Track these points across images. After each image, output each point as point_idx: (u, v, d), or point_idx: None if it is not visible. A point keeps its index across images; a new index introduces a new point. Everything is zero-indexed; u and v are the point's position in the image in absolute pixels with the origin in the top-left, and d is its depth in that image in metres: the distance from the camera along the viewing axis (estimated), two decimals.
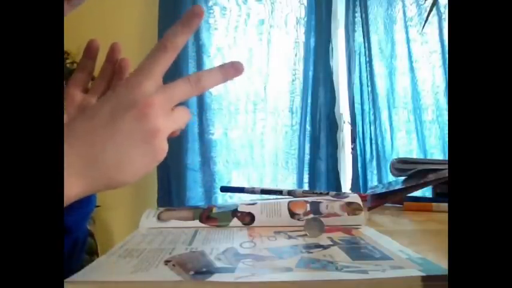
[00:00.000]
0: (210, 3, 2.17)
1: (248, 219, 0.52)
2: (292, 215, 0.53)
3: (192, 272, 0.32)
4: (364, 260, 0.34)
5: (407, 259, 0.34)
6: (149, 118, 0.35)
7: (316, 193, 0.73)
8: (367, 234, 0.46)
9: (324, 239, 0.43)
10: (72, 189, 0.33)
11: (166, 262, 0.35)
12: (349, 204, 0.54)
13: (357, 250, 0.38)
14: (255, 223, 0.52)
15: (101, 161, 0.34)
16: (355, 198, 0.55)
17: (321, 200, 0.55)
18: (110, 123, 0.35)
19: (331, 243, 0.41)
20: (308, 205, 0.54)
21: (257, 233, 0.47)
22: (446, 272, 0.29)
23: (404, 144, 2.05)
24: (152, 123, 0.35)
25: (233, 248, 0.40)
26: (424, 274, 0.30)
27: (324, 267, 0.33)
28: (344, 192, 0.72)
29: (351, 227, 0.50)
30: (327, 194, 0.69)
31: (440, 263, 0.34)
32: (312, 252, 0.38)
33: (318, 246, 0.40)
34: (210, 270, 0.33)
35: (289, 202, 0.55)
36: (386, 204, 0.72)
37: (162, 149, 0.38)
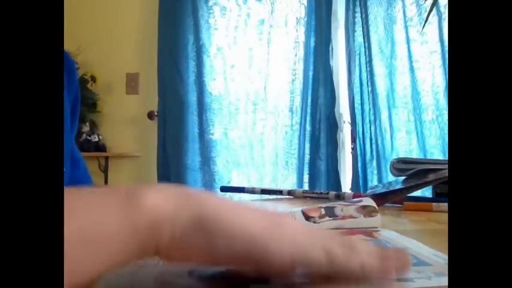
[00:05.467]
0: (210, 3, 2.17)
1: None
2: (307, 218, 0.52)
3: None
4: None
5: (445, 264, 0.33)
6: None
7: (316, 193, 0.73)
8: (391, 236, 0.45)
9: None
10: None
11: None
12: (364, 207, 0.53)
13: None
14: None
15: None
16: (368, 201, 0.54)
17: (335, 205, 0.54)
18: None
19: None
20: (322, 209, 0.53)
21: None
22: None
23: (404, 144, 2.05)
24: None
25: None
26: None
27: None
28: (344, 192, 0.72)
29: (368, 229, 0.50)
30: (327, 193, 0.69)
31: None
32: None
33: None
34: None
35: (303, 210, 0.54)
36: (386, 204, 0.72)
37: None
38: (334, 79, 2.14)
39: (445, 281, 0.28)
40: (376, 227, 0.51)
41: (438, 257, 0.34)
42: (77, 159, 0.63)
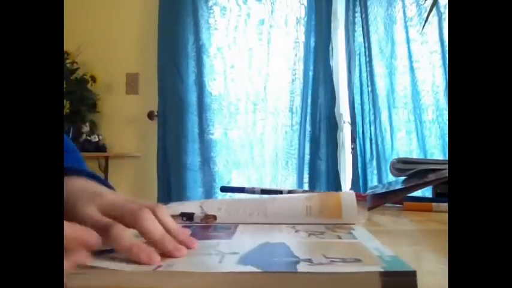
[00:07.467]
0: (210, 3, 2.17)
1: None
2: None
3: None
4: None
5: (377, 256, 0.33)
6: None
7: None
8: (359, 234, 0.45)
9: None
10: None
11: None
12: None
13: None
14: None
15: None
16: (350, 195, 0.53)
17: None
18: None
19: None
20: None
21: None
22: (407, 269, 0.28)
23: (404, 144, 2.05)
24: None
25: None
26: (383, 270, 0.28)
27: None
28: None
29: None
30: None
31: (440, 263, 0.34)
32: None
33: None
34: None
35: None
36: (387, 204, 0.72)
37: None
38: (334, 79, 2.14)
39: (357, 268, 0.28)
40: (353, 223, 0.49)
41: (377, 251, 0.34)
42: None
